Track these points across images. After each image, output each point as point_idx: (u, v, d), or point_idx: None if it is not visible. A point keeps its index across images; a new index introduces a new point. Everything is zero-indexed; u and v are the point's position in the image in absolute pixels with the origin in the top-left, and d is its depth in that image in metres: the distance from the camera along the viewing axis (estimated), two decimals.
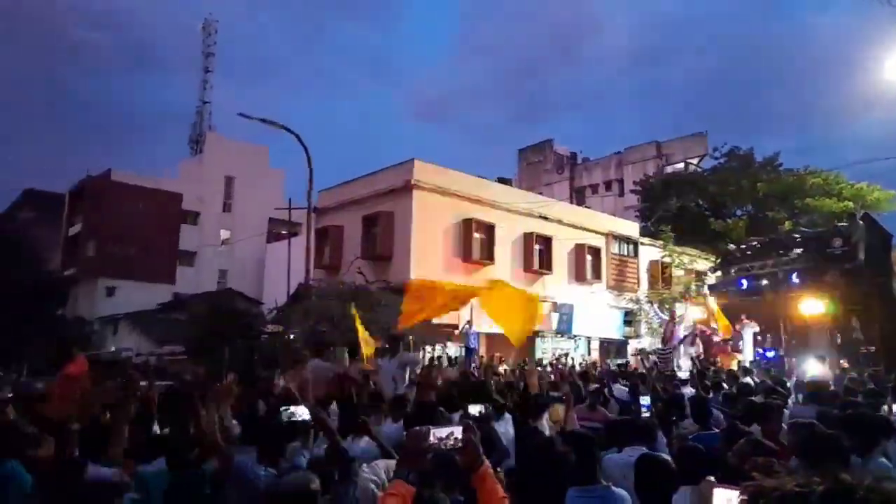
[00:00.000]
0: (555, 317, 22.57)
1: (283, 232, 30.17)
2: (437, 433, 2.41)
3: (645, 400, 6.42)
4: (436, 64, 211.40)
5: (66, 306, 32.29)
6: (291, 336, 16.15)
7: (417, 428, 2.49)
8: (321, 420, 3.99)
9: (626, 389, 9.09)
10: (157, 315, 30.49)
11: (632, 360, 20.72)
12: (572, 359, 18.75)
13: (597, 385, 7.27)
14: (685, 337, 17.23)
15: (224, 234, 40.67)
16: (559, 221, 23.62)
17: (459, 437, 2.42)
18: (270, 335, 18.35)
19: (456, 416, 5.18)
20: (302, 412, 4.12)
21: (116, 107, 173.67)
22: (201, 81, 50.19)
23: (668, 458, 3.19)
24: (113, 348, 30.01)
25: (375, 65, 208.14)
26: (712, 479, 2.58)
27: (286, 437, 4.08)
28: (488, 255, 20.97)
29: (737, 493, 1.54)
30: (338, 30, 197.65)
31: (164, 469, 3.73)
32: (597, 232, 25.11)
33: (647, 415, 5.61)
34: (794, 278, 16.43)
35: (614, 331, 24.67)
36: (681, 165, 41.46)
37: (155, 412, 5.31)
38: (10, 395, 6.33)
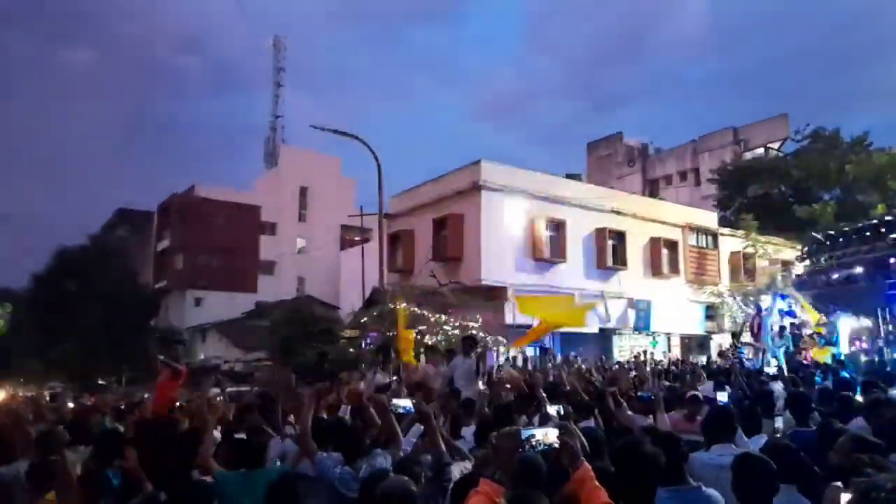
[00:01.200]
0: (631, 313, 22.05)
1: (357, 238, 30.92)
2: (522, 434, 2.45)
3: (722, 396, 6.18)
4: (503, 63, 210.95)
5: (158, 317, 34.31)
6: (368, 340, 16.54)
7: (509, 428, 2.52)
8: (425, 415, 3.89)
9: (711, 387, 8.77)
10: (241, 323, 31.97)
11: (714, 356, 19.98)
12: (651, 355, 18.23)
13: (694, 392, 6.86)
14: (774, 330, 16.42)
15: (300, 242, 42.12)
16: (632, 215, 23.05)
17: (542, 438, 2.42)
18: (348, 339, 18.85)
19: (535, 419, 5.17)
20: (407, 405, 4.22)
21: (197, 125, 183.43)
22: (273, 97, 52.18)
23: (767, 458, 3.03)
24: (202, 356, 31.69)
25: (443, 67, 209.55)
26: (839, 484, 2.48)
27: (364, 438, 4.18)
28: (559, 253, 20.74)
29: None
30: (406, 35, 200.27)
31: (241, 472, 3.90)
32: (672, 224, 24.35)
33: None
34: (893, 263, 15.39)
35: (695, 326, 23.83)
36: (761, 151, 39.61)
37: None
38: (122, 405, 6.77)
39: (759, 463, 3.00)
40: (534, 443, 2.44)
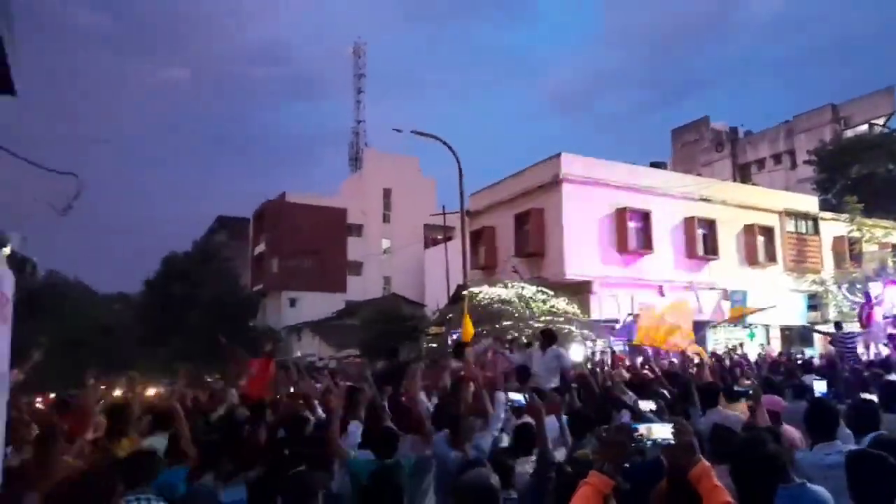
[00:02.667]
0: (726, 305, 21.17)
1: (439, 237, 31.39)
2: None
3: (821, 385, 5.91)
4: (579, 54, 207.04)
5: (256, 318, 36.21)
6: (454, 336, 16.84)
7: (623, 422, 2.57)
8: (536, 410, 3.87)
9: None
10: (333, 322, 33.22)
11: (819, 348, 18.91)
12: (738, 346, 17.47)
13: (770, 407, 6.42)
14: (886, 319, 15.35)
15: (385, 243, 43.17)
16: (723, 202, 22.11)
17: (645, 433, 2.44)
18: (434, 336, 19.27)
19: (626, 416, 5.17)
20: (519, 399, 4.40)
21: (286, 134, 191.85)
22: (355, 102, 53.73)
23: (886, 455, 2.88)
24: (298, 354, 33.18)
25: (517, 61, 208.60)
26: None
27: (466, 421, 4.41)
28: (646, 245, 20.23)
29: None
30: (482, 33, 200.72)
31: (371, 458, 4.19)
32: (768, 210, 23.15)
33: None
34: None
35: (796, 317, 22.54)
36: (863, 128, 36.87)
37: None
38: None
39: (877, 460, 2.82)
40: (637, 437, 2.43)
